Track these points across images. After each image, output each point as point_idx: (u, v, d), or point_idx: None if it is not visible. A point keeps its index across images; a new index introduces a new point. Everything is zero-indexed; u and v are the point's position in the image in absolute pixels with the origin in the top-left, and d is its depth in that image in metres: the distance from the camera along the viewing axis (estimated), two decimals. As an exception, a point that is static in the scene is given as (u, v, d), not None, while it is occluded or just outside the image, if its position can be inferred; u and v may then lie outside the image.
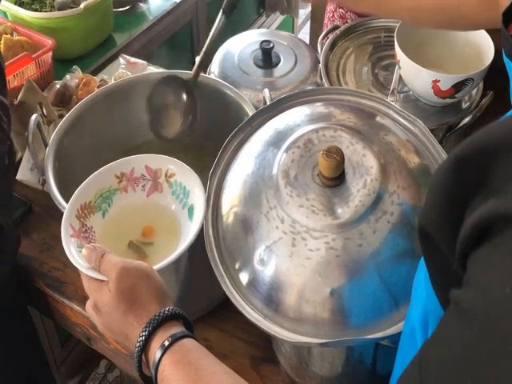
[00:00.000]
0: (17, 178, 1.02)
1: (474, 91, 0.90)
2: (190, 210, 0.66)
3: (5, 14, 1.35)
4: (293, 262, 0.57)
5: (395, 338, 0.51)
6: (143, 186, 0.69)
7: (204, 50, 0.83)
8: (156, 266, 0.59)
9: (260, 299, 0.59)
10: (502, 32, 0.43)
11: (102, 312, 0.55)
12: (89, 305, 0.57)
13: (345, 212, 0.56)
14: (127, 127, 0.97)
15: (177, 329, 0.53)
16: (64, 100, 1.10)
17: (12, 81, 1.14)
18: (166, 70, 1.07)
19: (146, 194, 0.69)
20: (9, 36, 1.21)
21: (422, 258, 0.46)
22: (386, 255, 0.55)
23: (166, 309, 0.54)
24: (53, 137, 0.85)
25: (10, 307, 0.92)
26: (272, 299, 0.58)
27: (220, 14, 0.78)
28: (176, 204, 0.68)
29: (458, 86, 0.80)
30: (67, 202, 0.67)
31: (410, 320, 0.44)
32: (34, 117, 0.79)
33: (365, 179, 0.58)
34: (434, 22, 0.73)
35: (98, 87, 1.13)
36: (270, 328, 0.56)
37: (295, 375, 0.72)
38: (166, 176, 0.69)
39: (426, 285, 0.41)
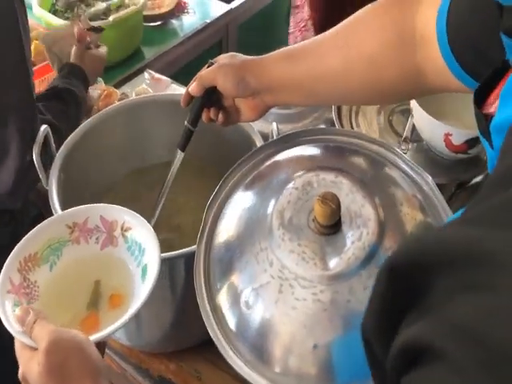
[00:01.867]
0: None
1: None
2: (144, 270, 0.60)
3: (39, 19, 1.38)
4: (278, 310, 0.55)
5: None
6: (97, 239, 0.64)
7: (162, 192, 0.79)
8: (93, 337, 0.53)
9: (244, 344, 0.56)
10: (474, 112, 0.40)
11: None
12: (20, 375, 0.52)
13: (337, 264, 0.54)
14: (138, 145, 0.96)
15: None
16: (85, 110, 1.11)
17: (37, 86, 1.15)
18: (176, 93, 1.06)
19: (100, 247, 0.64)
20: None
21: None
22: (374, 314, 0.52)
23: None
24: (61, 148, 0.85)
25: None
26: (256, 346, 0.56)
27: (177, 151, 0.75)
28: (131, 261, 0.63)
29: (472, 143, 0.76)
30: None
31: None
32: (42, 128, 0.79)
33: (361, 231, 0.55)
34: (367, 102, 0.77)
35: (119, 100, 1.14)
36: (252, 378, 0.54)
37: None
38: (121, 229, 0.63)
39: None
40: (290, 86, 0.66)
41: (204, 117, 0.72)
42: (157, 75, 1.33)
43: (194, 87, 0.70)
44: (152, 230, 0.62)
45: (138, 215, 0.64)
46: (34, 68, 1.15)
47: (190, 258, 0.69)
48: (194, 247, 0.70)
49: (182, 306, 0.80)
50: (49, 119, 0.89)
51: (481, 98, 0.40)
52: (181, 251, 0.71)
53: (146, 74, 1.34)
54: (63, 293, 0.61)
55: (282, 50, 0.68)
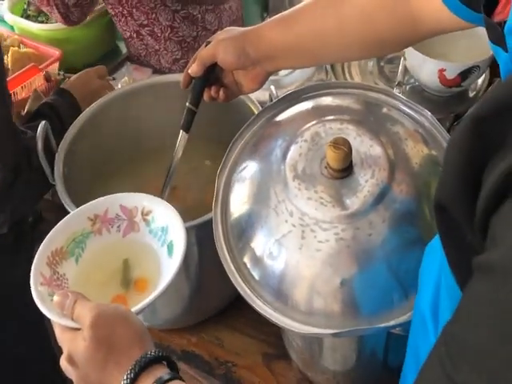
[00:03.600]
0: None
1: (480, 80, 0.90)
2: (170, 247, 0.63)
3: (11, 27, 1.37)
4: (303, 255, 0.57)
5: (407, 327, 0.51)
6: (118, 227, 0.65)
7: (170, 172, 0.80)
8: (134, 309, 0.55)
9: (271, 293, 0.59)
10: (484, 21, 0.43)
11: (78, 365, 0.51)
12: (63, 359, 0.53)
13: (353, 203, 0.56)
14: (136, 132, 0.98)
15: (161, 372, 0.49)
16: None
17: (20, 92, 1.15)
18: (170, 75, 1.08)
19: (122, 235, 0.66)
20: (16, 48, 1.23)
21: (430, 244, 0.46)
22: (395, 244, 0.55)
23: (148, 352, 0.50)
24: (61, 143, 0.86)
25: (25, 307, 0.93)
26: (283, 292, 0.58)
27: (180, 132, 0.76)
28: (155, 242, 0.65)
29: (464, 74, 0.80)
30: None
31: (419, 308, 0.44)
32: (42, 123, 0.80)
33: (373, 169, 0.58)
34: (367, 54, 0.77)
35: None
36: (280, 320, 0.56)
37: (307, 370, 0.72)
38: (142, 214, 0.65)
39: (440, 267, 0.41)
40: (289, 50, 0.67)
41: (205, 96, 0.73)
42: (137, 67, 1.34)
43: (194, 67, 0.70)
44: (172, 207, 0.64)
45: (156, 197, 0.66)
46: (13, 76, 1.15)
47: (201, 229, 0.71)
48: (205, 216, 0.72)
49: (198, 278, 0.82)
50: (30, 136, 0.86)
51: (489, 11, 0.43)
52: (193, 222, 0.72)
53: (126, 68, 1.35)
54: (91, 283, 0.63)
55: (276, 16, 0.69)
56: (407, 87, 0.90)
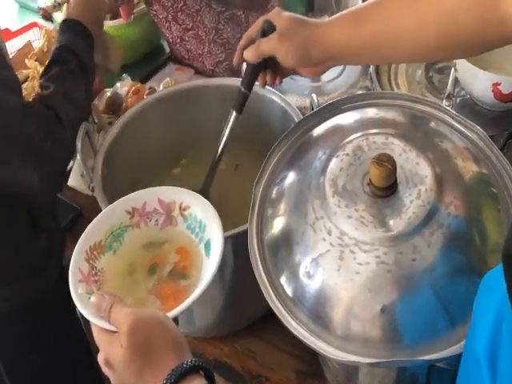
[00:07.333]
0: (68, 184, 1.05)
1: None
2: (207, 246, 0.61)
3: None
4: (341, 277, 0.54)
5: (452, 361, 0.47)
6: (156, 221, 0.65)
7: (219, 152, 0.77)
8: (170, 314, 0.54)
9: (305, 313, 0.57)
10: None
11: (115, 368, 0.51)
12: (100, 359, 0.53)
13: (397, 224, 0.53)
14: (176, 135, 0.97)
15: (198, 382, 0.48)
16: (114, 108, 1.12)
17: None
18: (213, 78, 1.07)
19: (160, 228, 0.65)
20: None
21: (486, 278, 0.42)
22: (441, 271, 0.52)
23: (185, 362, 0.49)
24: (102, 144, 0.86)
25: (59, 309, 0.94)
26: (318, 314, 0.56)
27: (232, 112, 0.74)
28: (191, 238, 0.63)
29: None
30: None
31: (472, 347, 0.40)
32: (83, 124, 0.80)
33: (419, 189, 0.54)
34: (443, 56, 0.72)
35: (147, 95, 1.15)
36: (316, 345, 0.54)
37: (343, 393, 0.70)
38: (180, 209, 0.64)
39: (500, 307, 0.37)
40: (357, 51, 0.64)
41: (260, 80, 0.70)
42: (179, 67, 1.34)
43: (250, 54, 0.67)
44: (210, 205, 0.63)
45: (195, 193, 0.65)
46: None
47: (237, 238, 0.70)
48: (241, 227, 0.70)
49: (232, 287, 0.80)
50: (51, 92, 0.82)
51: None
52: (229, 232, 0.71)
53: (168, 68, 1.35)
54: (128, 276, 0.63)
55: (344, 13, 0.65)
56: (457, 100, 0.85)
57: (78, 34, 0.87)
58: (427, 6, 0.59)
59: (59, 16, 0.98)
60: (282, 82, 0.71)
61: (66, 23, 0.89)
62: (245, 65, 0.72)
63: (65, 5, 0.93)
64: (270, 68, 0.69)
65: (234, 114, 0.73)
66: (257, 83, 0.72)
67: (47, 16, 1.05)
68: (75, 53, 0.85)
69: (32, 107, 0.81)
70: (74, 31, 0.87)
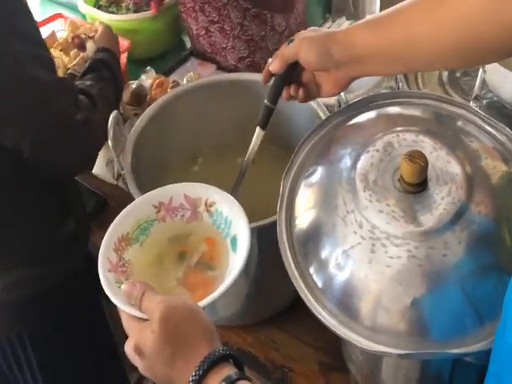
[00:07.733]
0: (93, 172, 1.07)
1: None
2: (233, 241, 0.62)
3: (84, 16, 1.41)
4: (371, 269, 0.56)
5: (480, 356, 0.49)
6: (182, 216, 0.66)
7: (243, 169, 0.78)
8: (201, 303, 0.55)
9: (334, 303, 0.58)
10: None
11: (146, 355, 0.51)
12: (129, 346, 0.52)
13: (428, 220, 0.55)
14: (200, 129, 0.98)
15: (229, 370, 0.48)
16: (139, 100, 1.13)
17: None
18: (234, 73, 1.08)
19: (186, 222, 0.66)
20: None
21: None
22: (470, 268, 0.53)
23: (217, 350, 0.49)
24: (131, 133, 0.88)
25: (83, 295, 0.96)
26: (347, 305, 0.57)
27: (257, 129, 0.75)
28: (217, 234, 0.64)
29: None
30: None
31: (505, 340, 0.41)
32: (114, 113, 0.82)
33: (449, 187, 0.56)
34: (462, 63, 0.72)
35: (171, 88, 1.16)
36: (346, 334, 0.55)
37: (366, 385, 0.71)
38: (205, 205, 0.65)
39: None
40: (377, 56, 0.65)
41: (284, 94, 0.72)
42: (201, 62, 1.35)
43: (275, 64, 0.69)
44: (236, 201, 0.64)
45: (220, 190, 0.66)
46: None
47: (263, 230, 0.71)
48: (269, 218, 0.72)
49: (256, 278, 0.82)
50: (87, 85, 0.90)
51: None
52: (257, 223, 0.72)
53: (191, 62, 1.36)
54: (155, 269, 0.64)
55: (366, 19, 0.67)
56: (484, 102, 0.86)
57: (108, 53, 1.01)
58: (447, 10, 0.59)
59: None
60: (306, 100, 0.73)
61: (102, 48, 1.03)
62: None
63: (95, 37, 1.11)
64: (294, 81, 0.71)
65: (258, 130, 0.75)
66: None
67: (81, 44, 1.18)
68: (107, 63, 0.97)
69: (68, 82, 0.88)
70: (104, 51, 1.01)
